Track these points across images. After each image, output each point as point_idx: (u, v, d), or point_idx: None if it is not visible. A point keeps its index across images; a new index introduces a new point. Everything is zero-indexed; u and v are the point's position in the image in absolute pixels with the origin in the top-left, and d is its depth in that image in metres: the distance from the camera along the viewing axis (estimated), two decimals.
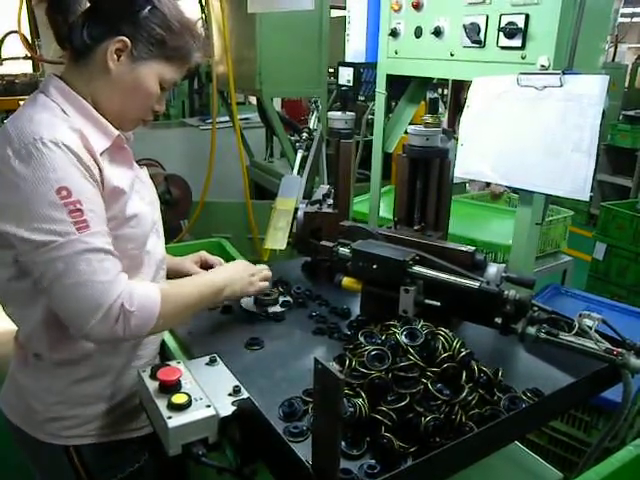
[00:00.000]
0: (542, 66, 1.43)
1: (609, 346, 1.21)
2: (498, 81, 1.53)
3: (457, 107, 2.43)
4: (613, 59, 8.75)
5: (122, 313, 1.13)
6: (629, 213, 4.14)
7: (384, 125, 2.02)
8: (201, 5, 3.56)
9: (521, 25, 1.46)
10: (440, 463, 1.00)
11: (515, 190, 1.69)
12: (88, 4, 1.22)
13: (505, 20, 1.49)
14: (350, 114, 1.80)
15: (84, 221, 1.12)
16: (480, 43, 1.57)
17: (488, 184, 3.56)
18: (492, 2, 1.53)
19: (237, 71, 3.44)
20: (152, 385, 1.14)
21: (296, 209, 1.81)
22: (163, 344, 1.48)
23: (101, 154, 1.21)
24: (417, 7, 1.74)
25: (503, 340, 1.37)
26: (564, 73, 1.40)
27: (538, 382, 1.26)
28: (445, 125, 2.31)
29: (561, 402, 1.28)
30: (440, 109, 1.64)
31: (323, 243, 1.60)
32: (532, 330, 1.27)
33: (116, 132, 1.26)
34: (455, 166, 1.61)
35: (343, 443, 1.05)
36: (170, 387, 1.12)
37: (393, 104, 2.07)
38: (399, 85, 1.98)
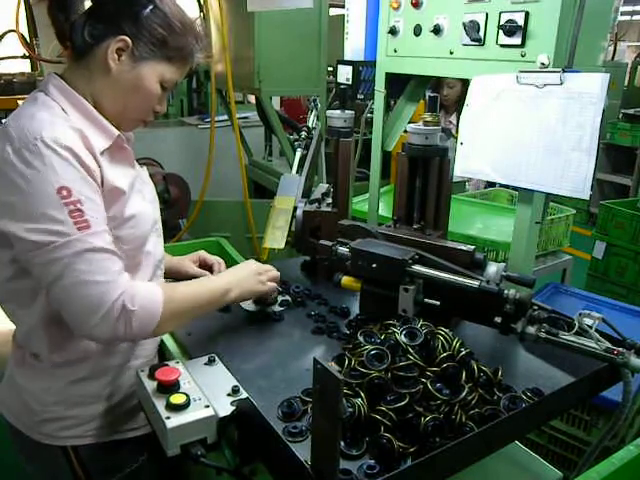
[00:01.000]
0: (542, 64, 1.43)
1: (609, 345, 1.20)
2: (498, 79, 1.52)
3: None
4: (613, 57, 8.75)
5: (123, 312, 1.12)
6: (629, 212, 4.13)
7: (383, 124, 2.01)
8: (199, 3, 3.56)
9: (521, 23, 1.45)
10: (440, 463, 0.99)
11: (515, 188, 1.69)
12: (90, 3, 1.22)
13: (505, 18, 1.48)
14: (349, 113, 1.80)
15: (85, 221, 1.12)
16: (480, 41, 1.57)
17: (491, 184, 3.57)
18: (492, 0, 1.52)
19: (236, 70, 3.43)
20: (150, 385, 1.14)
21: (295, 208, 1.81)
22: (162, 344, 1.48)
23: (101, 154, 1.21)
24: (416, 5, 1.73)
25: (503, 339, 1.37)
26: (564, 71, 1.40)
27: (538, 382, 1.26)
28: None
29: (561, 402, 1.27)
30: None
31: (322, 242, 1.60)
32: (532, 329, 1.26)
33: (116, 132, 1.26)
34: (455, 165, 1.60)
35: (342, 443, 1.04)
36: (169, 387, 1.12)
37: (392, 102, 2.06)
38: (398, 83, 1.98)
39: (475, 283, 1.29)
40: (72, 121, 1.19)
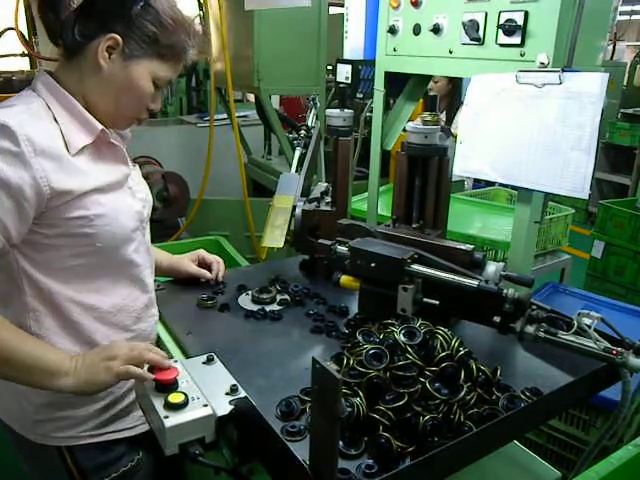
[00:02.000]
0: (541, 63, 1.43)
1: (608, 345, 1.20)
2: (497, 79, 1.52)
3: None
4: (612, 57, 8.74)
5: None
6: (627, 211, 4.13)
7: (382, 122, 2.01)
8: (199, 2, 3.55)
9: (520, 22, 1.45)
10: (438, 463, 0.99)
11: (514, 188, 1.69)
12: (80, 1, 1.21)
13: (504, 17, 1.48)
14: (348, 112, 1.79)
15: None
16: (479, 40, 1.57)
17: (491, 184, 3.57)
18: None
19: (235, 68, 3.43)
20: (149, 384, 1.14)
21: (294, 207, 1.80)
22: (160, 343, 1.48)
23: (81, 151, 1.20)
24: (416, 4, 1.73)
25: (502, 339, 1.36)
26: (563, 71, 1.40)
27: (537, 381, 1.26)
28: None
29: (560, 401, 1.28)
30: None
31: (321, 241, 1.60)
32: (531, 329, 1.26)
33: (99, 127, 1.24)
34: (454, 164, 1.60)
35: (341, 442, 1.04)
36: (167, 386, 1.11)
37: (391, 101, 2.06)
38: (397, 82, 1.98)
39: (474, 282, 1.29)
40: (48, 116, 1.18)
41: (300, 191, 1.88)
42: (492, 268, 1.37)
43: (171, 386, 1.12)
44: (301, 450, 0.95)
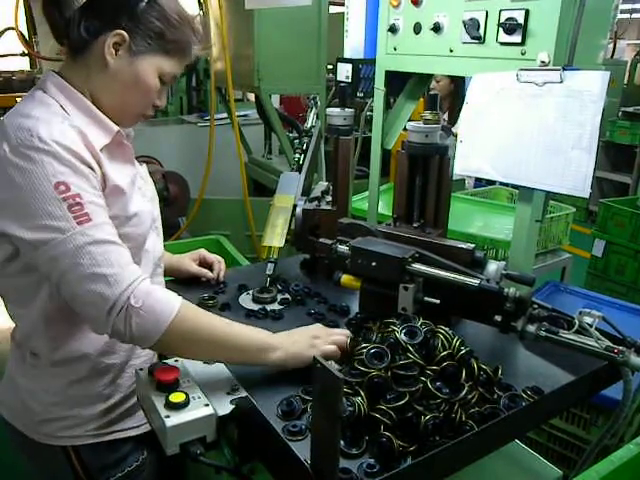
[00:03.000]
0: (542, 62, 1.42)
1: (609, 344, 1.20)
2: (498, 77, 1.52)
3: None
4: (612, 55, 8.73)
5: (126, 307, 1.08)
6: (628, 210, 4.13)
7: (383, 121, 2.01)
8: (199, 1, 3.55)
9: (521, 21, 1.45)
10: (440, 462, 0.99)
11: (515, 187, 1.69)
12: None
13: (505, 16, 1.48)
14: (349, 111, 1.79)
15: (85, 214, 1.10)
16: (480, 39, 1.56)
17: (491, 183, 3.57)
18: None
19: (235, 68, 3.43)
20: (150, 384, 1.14)
21: (294, 206, 1.80)
22: None
23: (100, 150, 1.20)
24: (416, 3, 1.72)
25: (503, 338, 1.36)
26: (564, 69, 1.39)
27: (538, 380, 1.26)
28: None
29: (561, 400, 1.27)
30: None
31: (322, 240, 1.60)
32: (532, 328, 1.26)
33: (116, 128, 1.25)
34: (454, 163, 1.60)
35: (342, 442, 1.04)
36: (168, 386, 1.11)
37: (392, 100, 2.06)
38: (398, 81, 1.97)
39: (475, 282, 1.28)
40: (70, 119, 1.18)
41: (300, 190, 1.87)
42: (493, 267, 1.36)
43: (172, 386, 1.12)
44: (302, 449, 0.94)
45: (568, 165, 1.43)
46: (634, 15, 12.18)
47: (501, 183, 3.00)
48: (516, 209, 1.63)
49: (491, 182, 3.53)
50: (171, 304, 1.13)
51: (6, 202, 1.11)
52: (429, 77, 1.96)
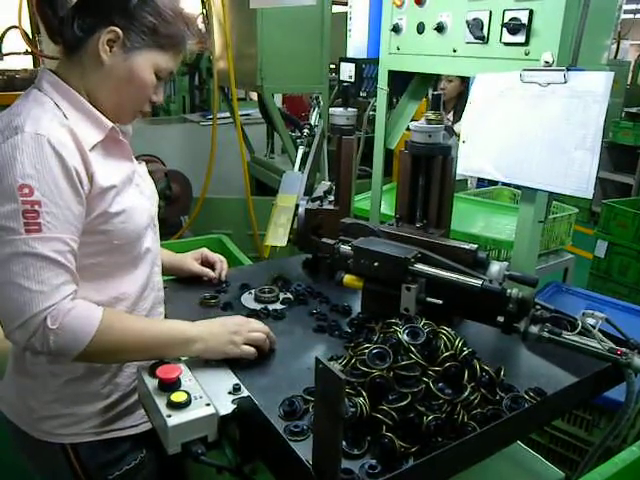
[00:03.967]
0: (546, 62, 1.42)
1: (612, 345, 1.20)
2: (501, 77, 1.51)
3: None
4: (615, 56, 8.71)
5: (42, 328, 1.08)
6: (631, 211, 4.12)
7: (386, 121, 2.01)
8: (202, 1, 3.55)
9: (525, 21, 1.45)
10: (442, 463, 0.99)
11: (517, 187, 1.68)
12: None
13: (508, 16, 1.48)
14: (352, 110, 1.79)
15: (37, 224, 1.09)
16: (483, 39, 1.56)
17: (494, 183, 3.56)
18: None
19: (238, 67, 3.43)
20: (151, 383, 1.14)
21: (297, 206, 1.80)
22: None
23: (93, 148, 1.20)
24: (419, 3, 1.72)
25: (505, 339, 1.36)
26: (568, 69, 1.39)
27: (540, 381, 1.25)
28: None
29: (564, 402, 1.27)
30: None
31: (324, 240, 1.59)
32: (535, 329, 1.26)
33: (110, 124, 1.25)
34: (457, 163, 1.60)
35: (344, 442, 1.04)
36: (169, 385, 1.11)
37: (395, 100, 2.05)
38: (401, 81, 1.97)
39: (478, 282, 1.28)
40: (60, 117, 1.18)
41: (303, 190, 1.87)
42: (496, 268, 1.36)
43: (174, 385, 1.12)
44: (304, 450, 0.94)
45: (571, 166, 1.42)
46: (638, 15, 12.14)
47: (504, 183, 2.99)
48: (519, 209, 1.62)
49: (494, 182, 3.52)
50: (91, 320, 1.13)
51: None
52: (432, 77, 1.96)
